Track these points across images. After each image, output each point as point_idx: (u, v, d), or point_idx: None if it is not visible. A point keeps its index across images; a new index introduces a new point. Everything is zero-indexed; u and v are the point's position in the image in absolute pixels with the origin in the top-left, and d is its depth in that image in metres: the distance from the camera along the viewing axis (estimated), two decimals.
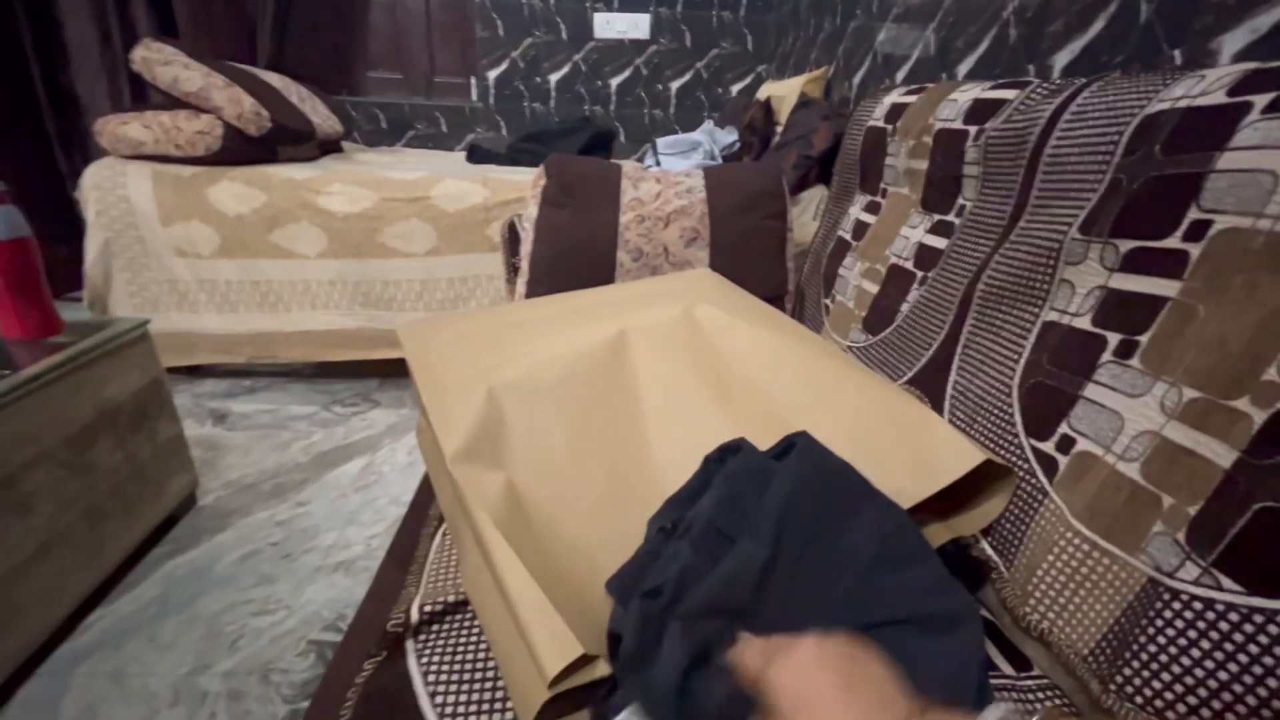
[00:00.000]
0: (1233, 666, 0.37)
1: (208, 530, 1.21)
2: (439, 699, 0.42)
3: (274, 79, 1.87)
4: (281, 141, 1.71)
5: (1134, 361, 0.48)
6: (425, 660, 0.45)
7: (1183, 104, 0.49)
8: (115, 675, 0.90)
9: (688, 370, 0.60)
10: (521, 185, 1.65)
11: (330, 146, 2.08)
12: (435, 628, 0.48)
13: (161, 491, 1.15)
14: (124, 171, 1.57)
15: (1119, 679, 0.42)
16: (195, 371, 1.81)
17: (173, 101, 1.59)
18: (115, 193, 1.56)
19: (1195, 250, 0.45)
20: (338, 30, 2.63)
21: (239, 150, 1.61)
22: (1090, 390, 0.51)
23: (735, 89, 2.77)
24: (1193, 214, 0.46)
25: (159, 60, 1.55)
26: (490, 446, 0.51)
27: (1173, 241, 0.47)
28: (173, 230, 1.59)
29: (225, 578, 1.09)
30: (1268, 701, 0.35)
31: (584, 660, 0.36)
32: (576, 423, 0.54)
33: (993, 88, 0.77)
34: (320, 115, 1.95)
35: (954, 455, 0.50)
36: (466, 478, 0.48)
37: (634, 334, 0.63)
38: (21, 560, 0.86)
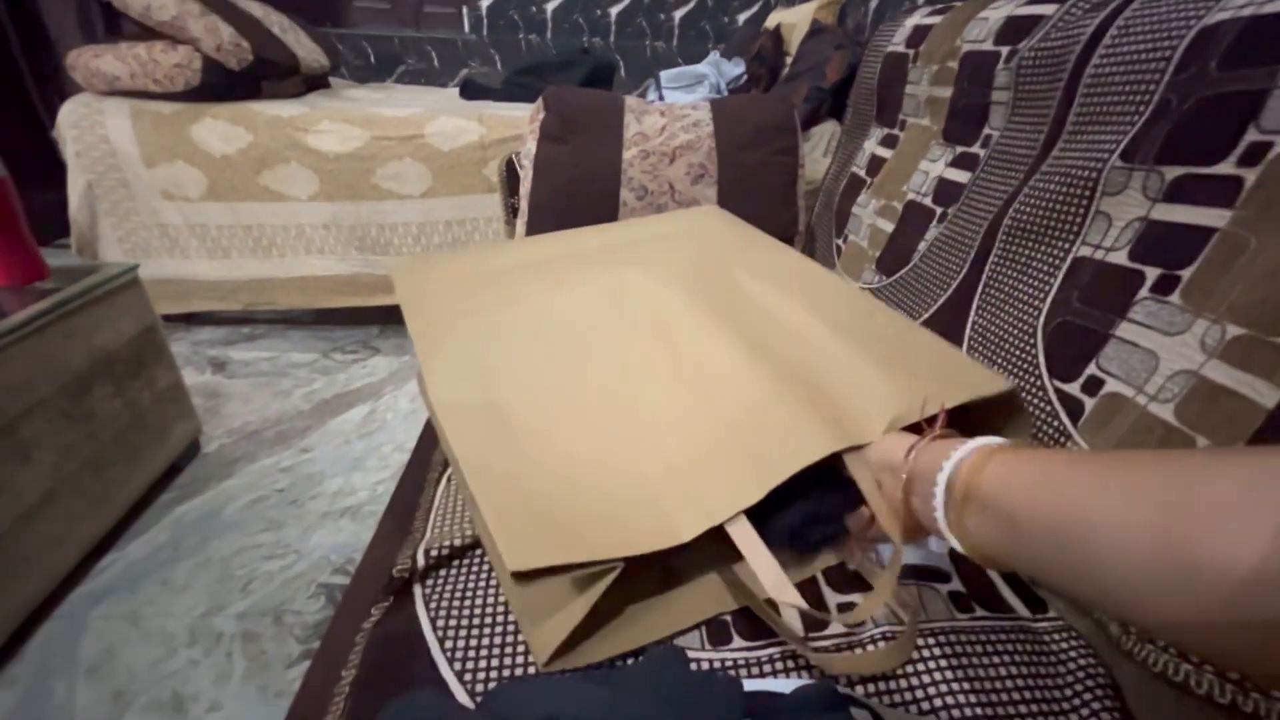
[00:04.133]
0: None
1: (214, 477, 1.21)
2: (448, 643, 0.42)
3: (253, 7, 1.76)
4: (265, 76, 1.63)
5: (1174, 298, 0.45)
6: (434, 605, 0.44)
7: (1247, 11, 0.44)
8: (131, 617, 0.91)
9: (684, 310, 0.59)
10: (519, 122, 1.57)
11: (316, 82, 1.98)
12: (442, 572, 0.47)
13: (164, 438, 1.15)
14: (101, 109, 1.49)
15: None
16: (192, 319, 1.78)
17: (148, 33, 1.50)
18: (94, 132, 1.49)
19: (1251, 176, 0.42)
20: None
21: (220, 85, 1.53)
22: (1123, 329, 0.48)
23: (742, 18, 2.62)
24: (1251, 135, 0.42)
25: None
26: (477, 374, 0.53)
27: (1225, 167, 0.44)
28: (157, 172, 1.53)
29: (234, 523, 1.10)
30: None
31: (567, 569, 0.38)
32: (568, 350, 0.56)
33: (1028, 3, 0.71)
34: (304, 48, 1.85)
35: (983, 379, 0.48)
36: (452, 414, 0.50)
37: (632, 276, 0.64)
38: (27, 507, 0.86)
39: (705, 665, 0.41)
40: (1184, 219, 0.46)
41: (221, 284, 1.65)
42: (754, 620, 0.43)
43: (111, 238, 1.59)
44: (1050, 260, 0.58)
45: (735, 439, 0.46)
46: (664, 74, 1.83)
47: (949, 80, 0.81)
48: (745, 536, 0.42)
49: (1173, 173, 0.47)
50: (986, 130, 0.75)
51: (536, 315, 0.60)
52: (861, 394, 0.47)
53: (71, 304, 0.94)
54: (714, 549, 0.44)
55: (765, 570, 0.41)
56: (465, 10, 2.61)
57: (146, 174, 1.53)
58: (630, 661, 0.40)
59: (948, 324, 0.68)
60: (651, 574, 0.45)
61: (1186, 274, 0.45)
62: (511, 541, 0.39)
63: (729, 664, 0.41)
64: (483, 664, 0.40)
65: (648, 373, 0.54)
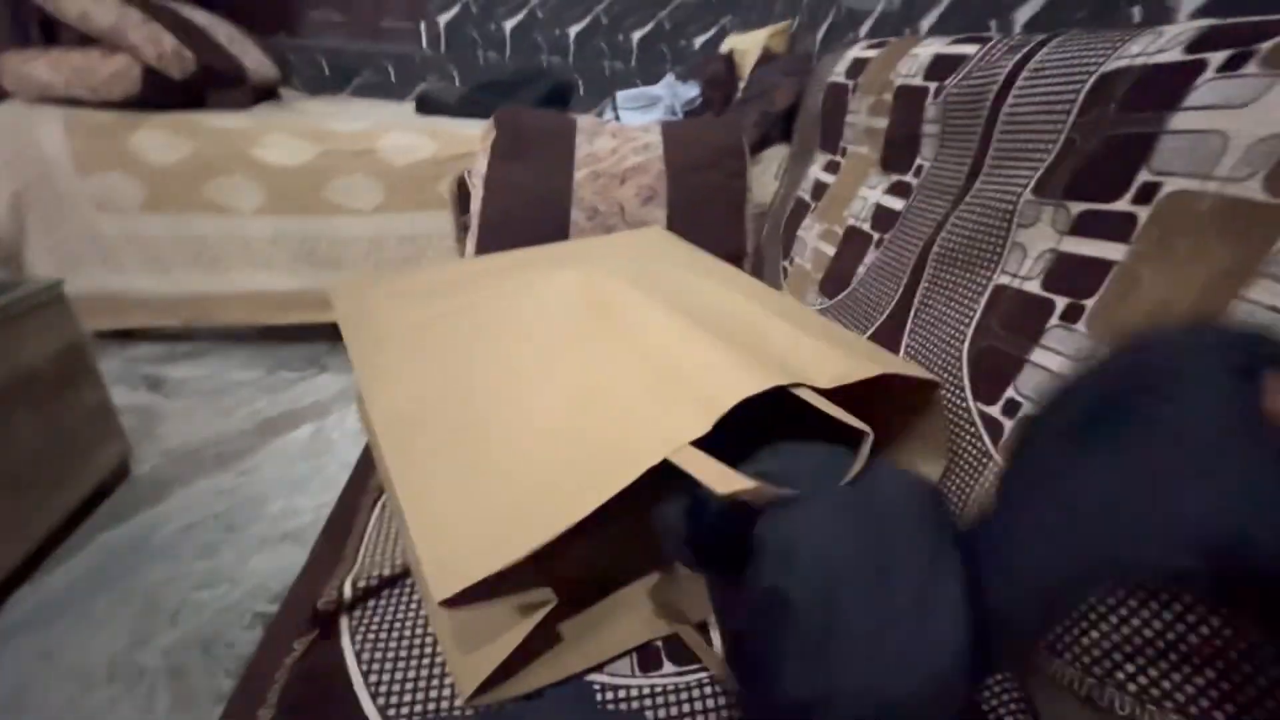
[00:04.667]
0: (1152, 618, 0.38)
1: (144, 501, 1.15)
2: (373, 678, 0.41)
3: (199, 16, 1.72)
4: (210, 86, 1.58)
5: (1080, 325, 0.48)
6: (360, 637, 0.43)
7: (1140, 61, 0.48)
8: (44, 653, 0.86)
9: (624, 291, 0.56)
10: (473, 139, 1.56)
11: (265, 94, 1.94)
12: (371, 604, 0.46)
13: (89, 461, 1.09)
14: (30, 116, 1.43)
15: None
16: (128, 335, 1.70)
17: (84, 40, 1.45)
18: (21, 139, 1.42)
19: (1144, 213, 0.45)
20: None
21: (161, 95, 1.48)
22: (1036, 355, 0.51)
23: (699, 41, 2.68)
24: (1143, 176, 0.45)
25: None
26: (413, 388, 0.50)
27: (1122, 204, 0.47)
28: (91, 181, 1.47)
29: (164, 550, 1.05)
30: (1175, 645, 0.36)
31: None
32: (505, 344, 0.53)
33: (954, 43, 0.75)
34: (253, 59, 1.81)
35: (911, 365, 0.49)
36: (389, 443, 0.46)
37: (572, 274, 0.61)
38: None
39: (635, 691, 0.41)
40: (1088, 251, 0.49)
41: (160, 299, 1.58)
42: (684, 646, 0.43)
43: (40, 248, 1.51)
44: (974, 287, 0.60)
45: (678, 384, 0.43)
46: (621, 94, 1.85)
47: (884, 111, 0.84)
48: (691, 457, 0.37)
49: (1078, 208, 0.50)
50: (918, 160, 0.78)
51: (477, 323, 0.57)
52: (806, 353, 0.47)
53: None
54: (646, 569, 0.44)
55: (709, 470, 0.36)
56: (423, 25, 2.59)
57: (79, 183, 1.47)
58: (536, 700, 0.40)
59: (884, 345, 0.70)
60: (586, 598, 0.44)
61: (1090, 303, 0.48)
62: (438, 569, 0.37)
63: (659, 689, 0.41)
64: (408, 698, 0.39)
65: (584, 348, 0.50)
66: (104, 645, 0.87)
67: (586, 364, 0.48)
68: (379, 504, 0.57)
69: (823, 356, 0.46)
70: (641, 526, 0.41)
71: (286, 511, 1.16)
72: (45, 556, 1.00)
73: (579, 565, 0.41)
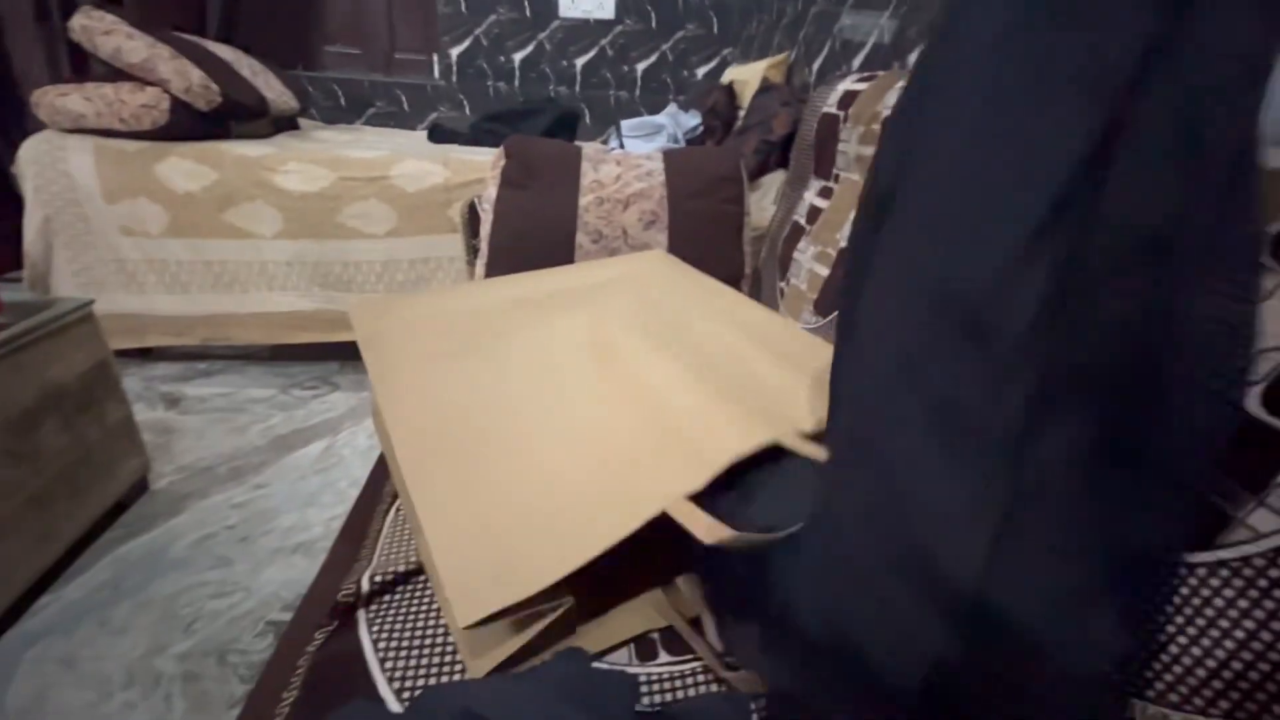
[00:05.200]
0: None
1: (161, 514, 1.19)
2: (389, 664, 0.44)
3: (225, 51, 1.80)
4: (233, 117, 1.66)
5: None
6: (376, 628, 0.46)
7: None
8: (66, 660, 0.89)
9: (626, 336, 0.62)
10: (483, 166, 1.63)
11: (285, 123, 2.02)
12: (386, 597, 0.49)
13: (111, 475, 1.13)
14: (64, 145, 1.50)
15: None
16: (147, 354, 1.76)
17: (116, 73, 1.53)
18: (55, 167, 1.50)
19: None
20: (293, 1, 2.54)
21: (188, 125, 1.56)
22: None
23: (701, 72, 2.77)
24: None
25: (100, 29, 1.48)
26: (435, 434, 0.54)
27: None
28: (118, 208, 1.54)
29: (180, 561, 1.08)
30: (1144, 644, 0.39)
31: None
32: (519, 388, 0.58)
33: None
34: (274, 90, 1.89)
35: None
36: (409, 461, 0.51)
37: (582, 319, 0.67)
38: None
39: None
40: None
41: (179, 319, 1.64)
42: (679, 638, 0.46)
43: (66, 271, 1.57)
44: None
45: (675, 439, 0.48)
46: (625, 123, 1.92)
47: (873, 141, 0.89)
48: (684, 510, 0.42)
49: None
50: None
51: (491, 359, 0.62)
52: (789, 395, 0.51)
53: (24, 339, 0.94)
54: (649, 566, 0.47)
55: (699, 523, 0.41)
56: (435, 57, 2.70)
57: (106, 209, 1.53)
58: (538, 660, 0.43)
59: None
60: (587, 597, 0.48)
61: None
62: (462, 597, 0.40)
63: (654, 678, 0.44)
64: (420, 681, 0.42)
65: (590, 393, 0.56)
66: (123, 652, 0.90)
67: (592, 409, 0.54)
68: (394, 508, 0.60)
69: (809, 402, 0.50)
70: (640, 541, 0.45)
71: (298, 525, 1.19)
72: (67, 566, 1.04)
73: (585, 575, 0.45)
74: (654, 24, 2.67)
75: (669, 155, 1.16)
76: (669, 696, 0.43)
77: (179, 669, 0.88)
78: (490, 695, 0.30)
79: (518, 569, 0.41)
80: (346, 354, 1.81)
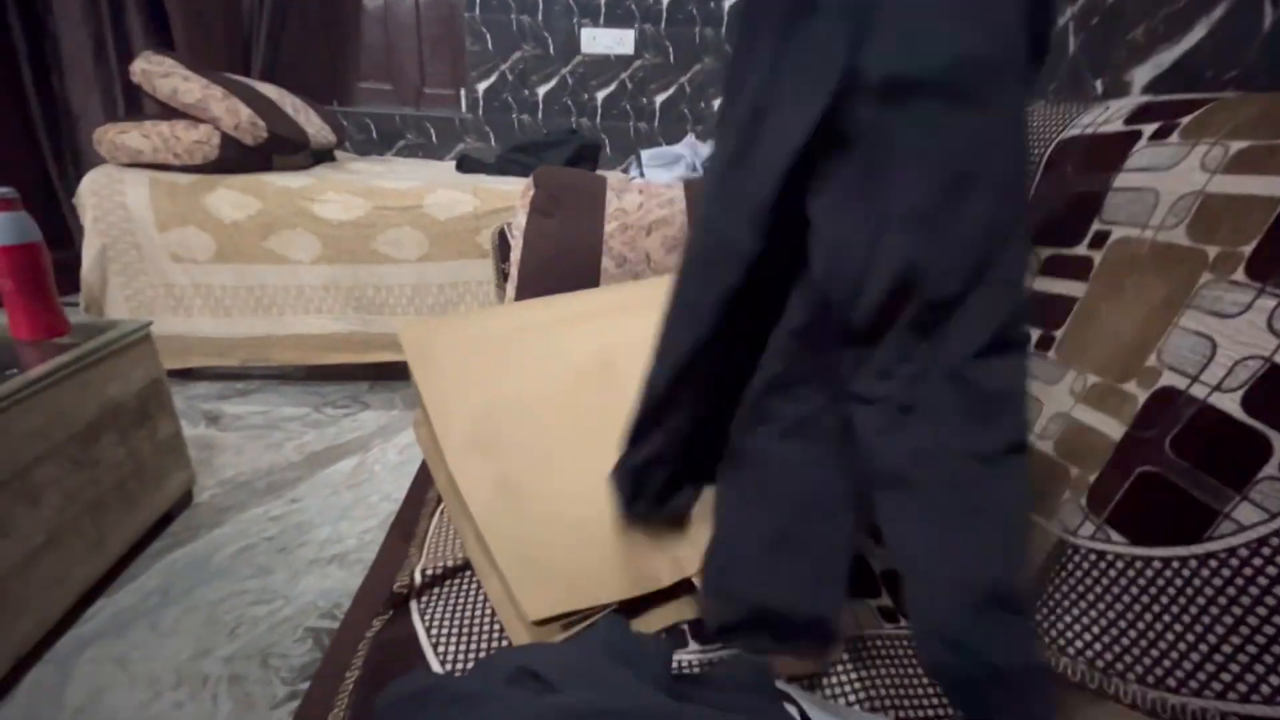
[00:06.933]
0: (1118, 606, 0.44)
1: (205, 525, 1.25)
2: (441, 649, 0.48)
3: (269, 90, 1.92)
4: (277, 151, 1.76)
5: (1051, 354, 0.55)
6: (429, 617, 0.51)
7: (1089, 131, 0.57)
8: (119, 661, 0.94)
9: None
10: (510, 195, 1.71)
11: (323, 155, 2.13)
12: (436, 589, 0.53)
13: (161, 487, 1.19)
14: (121, 179, 1.61)
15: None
16: (188, 375, 1.84)
17: (168, 111, 1.63)
18: (112, 199, 1.60)
19: (1098, 256, 0.53)
20: (330, 42, 2.68)
21: (235, 159, 1.66)
22: None
23: (718, 103, 2.86)
24: (1096, 225, 0.54)
25: (159, 73, 1.59)
26: (485, 444, 0.60)
27: (1081, 249, 0.55)
28: (169, 236, 1.63)
29: (223, 569, 1.13)
30: (1145, 633, 0.42)
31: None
32: (566, 424, 0.63)
33: None
34: (314, 125, 2.00)
35: None
36: (463, 471, 0.57)
37: (616, 350, 0.71)
38: (33, 549, 0.90)
39: None
40: (1056, 289, 0.57)
41: (221, 341, 1.72)
42: (705, 630, 0.50)
43: (119, 296, 1.67)
44: None
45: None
46: (645, 153, 1.99)
47: None
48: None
49: (1047, 251, 0.58)
50: None
51: (537, 381, 0.68)
52: None
53: (89, 358, 1.01)
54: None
55: None
56: (463, 92, 2.82)
57: (159, 238, 1.63)
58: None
59: None
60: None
61: (1059, 334, 0.55)
62: (533, 596, 0.47)
63: (684, 664, 0.48)
64: (469, 662, 0.46)
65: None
66: (171, 654, 0.95)
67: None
68: (437, 511, 0.65)
69: None
70: None
71: (332, 537, 1.24)
72: (119, 573, 1.09)
73: None
74: (672, 59, 2.77)
75: (689, 183, 1.22)
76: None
77: (225, 671, 0.93)
78: (544, 655, 0.35)
79: (587, 579, 0.48)
80: (377, 374, 1.88)
